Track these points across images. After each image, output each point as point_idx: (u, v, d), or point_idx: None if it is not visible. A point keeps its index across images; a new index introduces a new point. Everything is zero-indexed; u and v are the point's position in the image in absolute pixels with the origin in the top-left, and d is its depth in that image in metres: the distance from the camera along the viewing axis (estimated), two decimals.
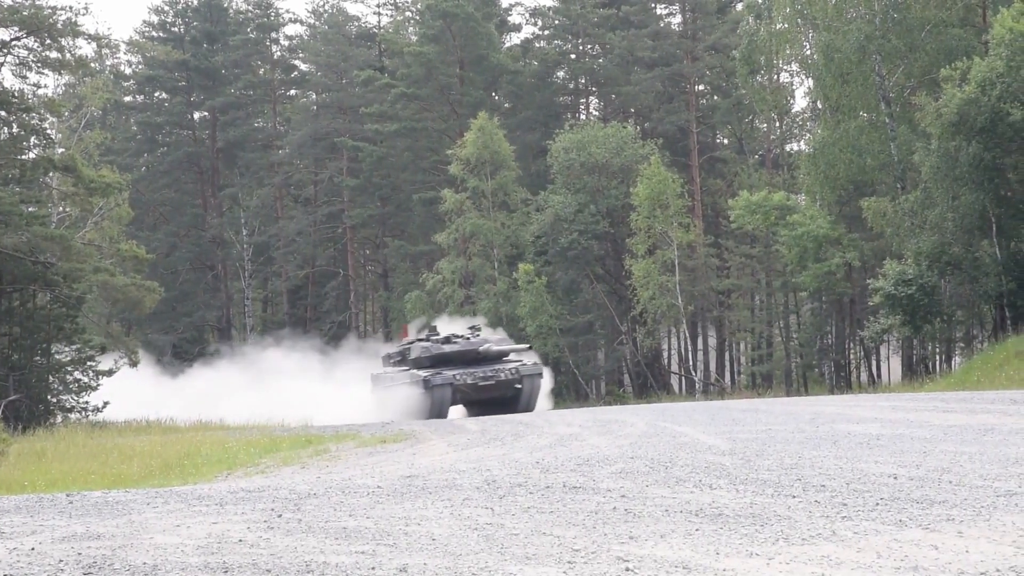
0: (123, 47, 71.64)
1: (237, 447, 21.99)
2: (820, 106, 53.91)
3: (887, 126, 44.48)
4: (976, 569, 6.50)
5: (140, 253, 38.68)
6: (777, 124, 68.19)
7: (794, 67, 61.11)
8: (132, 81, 74.31)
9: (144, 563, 8.01)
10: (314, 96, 76.98)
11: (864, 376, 55.40)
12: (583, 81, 73.16)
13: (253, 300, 70.62)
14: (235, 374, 47.25)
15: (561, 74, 72.99)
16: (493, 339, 34.91)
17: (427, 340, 34.53)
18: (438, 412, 31.50)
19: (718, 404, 29.10)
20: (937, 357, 48.67)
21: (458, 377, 32.17)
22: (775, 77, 62.05)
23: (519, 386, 32.78)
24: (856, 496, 9.39)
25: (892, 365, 54.88)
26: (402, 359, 35.06)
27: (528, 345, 35.09)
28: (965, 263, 39.39)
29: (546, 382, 36.19)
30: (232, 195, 70.85)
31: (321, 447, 21.02)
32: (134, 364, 36.60)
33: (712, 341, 66.41)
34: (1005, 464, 10.75)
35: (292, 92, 78.33)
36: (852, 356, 58.21)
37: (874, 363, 55.64)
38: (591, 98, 75.34)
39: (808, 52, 50.92)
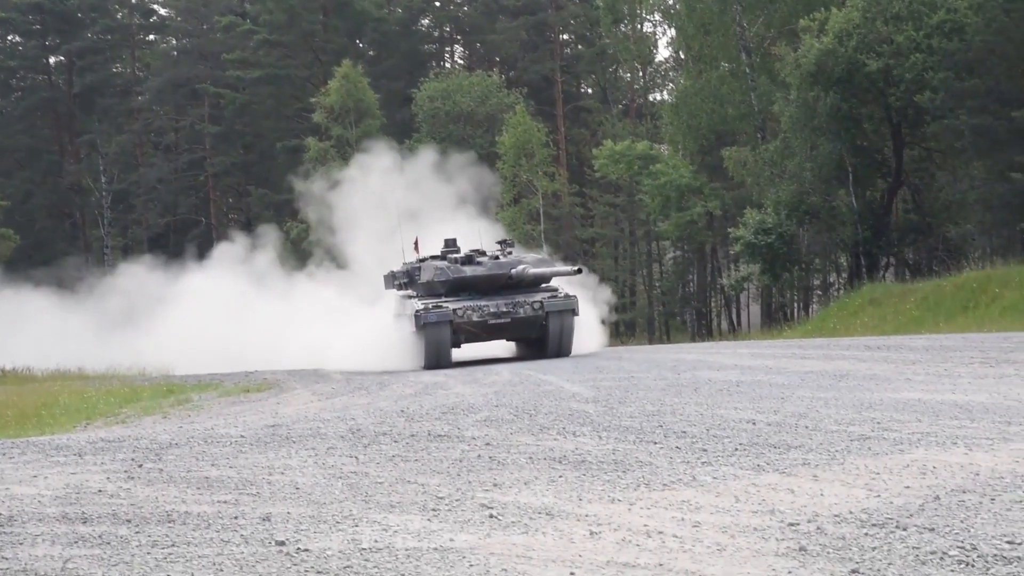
0: None
1: (97, 397, 21.67)
2: (682, 56, 54.42)
3: (747, 76, 45.05)
4: (830, 511, 6.65)
5: None
6: (640, 74, 68.65)
7: (657, 17, 61.64)
8: None
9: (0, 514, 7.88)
10: (174, 42, 75.61)
11: (725, 324, 56.30)
12: (448, 29, 72.86)
13: (113, 248, 69.45)
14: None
15: (426, 22, 72.62)
16: (529, 259, 26.83)
17: (443, 258, 27.08)
18: (435, 357, 24.76)
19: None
20: (795, 304, 49.66)
21: (460, 312, 24.96)
22: (638, 27, 62.46)
23: (546, 324, 25.46)
24: (716, 442, 9.54)
25: (752, 312, 55.78)
26: (409, 281, 27.69)
27: (578, 267, 26.11)
28: (823, 212, 40.15)
29: (592, 316, 29.24)
30: (90, 141, 69.43)
31: (183, 396, 20.80)
32: None
33: None
34: (859, 409, 10.99)
35: (151, 37, 76.81)
36: (713, 304, 59.10)
37: (734, 311, 56.53)
38: (456, 46, 75.10)
39: (671, 2, 51.35)
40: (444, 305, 25.06)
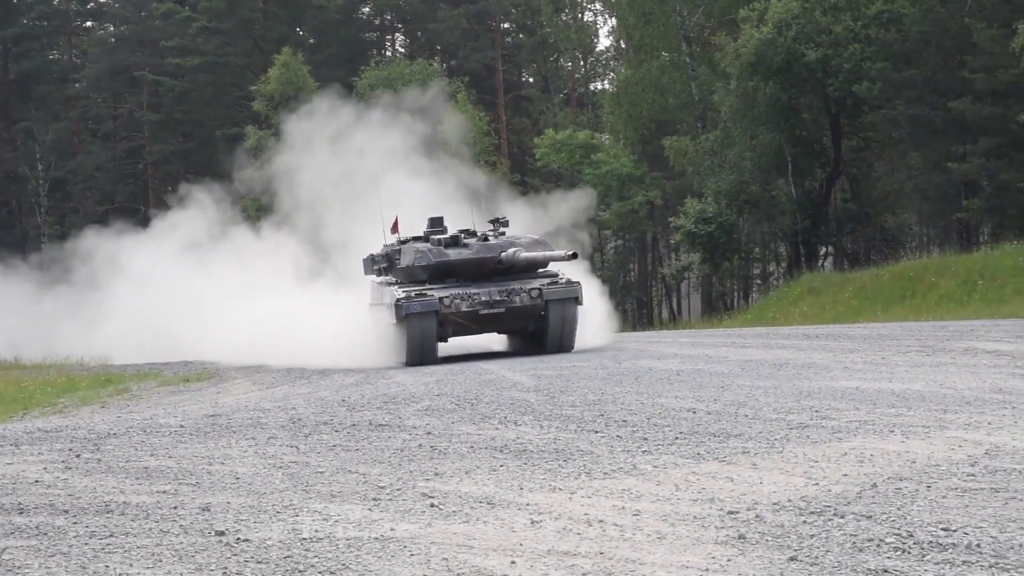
0: None
1: (33, 387, 21.48)
2: (623, 45, 54.57)
3: (688, 66, 45.19)
4: (769, 499, 6.69)
5: None
6: (581, 63, 68.77)
7: (598, 6, 61.75)
8: None
9: None
10: (112, 28, 74.86)
11: (665, 313, 56.53)
12: (388, 17, 72.59)
13: (50, 237, 68.74)
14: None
15: (366, 10, 72.30)
16: (523, 240, 23.22)
17: (425, 240, 23.76)
18: (419, 353, 21.61)
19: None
20: (735, 293, 49.97)
21: (448, 301, 21.69)
22: (580, 16, 62.56)
23: (545, 314, 22.06)
24: (656, 431, 9.59)
25: (692, 301, 56.03)
26: (389, 266, 24.33)
27: (573, 252, 22.49)
28: (762, 201, 40.42)
29: (596, 305, 25.28)
30: (26, 129, 68.62)
31: (122, 386, 20.66)
32: None
33: None
34: (798, 398, 11.08)
35: (89, 24, 76.00)
36: (654, 293, 59.33)
37: (675, 300, 56.76)
38: (397, 35, 74.86)
39: None
40: (429, 293, 21.89)
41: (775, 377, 13.27)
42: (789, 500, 6.66)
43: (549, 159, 52.01)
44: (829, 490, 6.84)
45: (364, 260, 25.94)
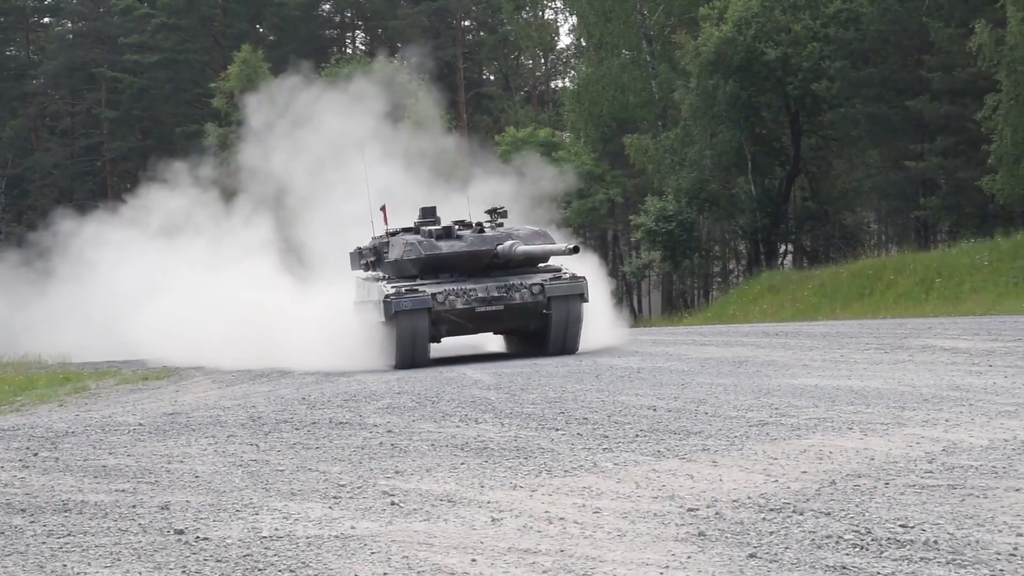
0: None
1: None
2: (584, 43, 54.60)
3: (648, 64, 45.26)
4: (729, 497, 6.72)
5: None
6: (542, 61, 68.81)
7: (559, 4, 61.77)
8: None
9: None
10: (70, 25, 74.36)
11: (626, 310, 56.60)
12: (349, 15, 72.41)
13: (8, 235, 68.23)
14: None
15: (327, 7, 72.10)
16: (522, 233, 21.28)
17: (416, 231, 21.71)
18: (409, 355, 19.76)
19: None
20: (695, 291, 50.07)
21: (441, 298, 19.91)
22: (540, 14, 62.59)
23: (547, 312, 20.13)
24: (617, 428, 9.61)
25: (653, 300, 56.13)
26: (377, 260, 22.36)
27: (573, 246, 20.37)
28: (722, 199, 40.57)
29: (603, 303, 23.35)
30: None
31: (80, 384, 20.53)
32: None
33: None
34: (758, 395, 11.12)
35: (46, 20, 75.45)
36: (614, 291, 59.40)
37: (636, 298, 56.86)
38: (357, 32, 74.70)
39: None
40: (421, 289, 20.04)
41: (735, 375, 13.31)
42: (749, 497, 6.68)
43: (510, 157, 52.01)
44: (788, 487, 6.86)
45: (351, 254, 23.94)
